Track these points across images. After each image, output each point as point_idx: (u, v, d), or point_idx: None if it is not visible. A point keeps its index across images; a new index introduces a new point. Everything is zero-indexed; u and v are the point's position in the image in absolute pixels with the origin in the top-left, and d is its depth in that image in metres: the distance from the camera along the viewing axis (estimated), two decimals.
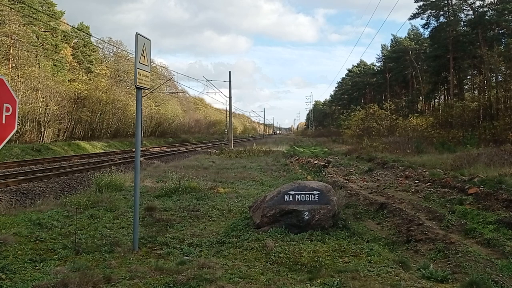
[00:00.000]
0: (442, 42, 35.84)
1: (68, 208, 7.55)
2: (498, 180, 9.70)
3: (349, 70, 77.37)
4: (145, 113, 47.78)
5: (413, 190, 10.83)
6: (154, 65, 55.09)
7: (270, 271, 4.65)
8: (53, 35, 38.15)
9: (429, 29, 39.37)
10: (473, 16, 34.95)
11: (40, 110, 31.58)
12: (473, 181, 10.28)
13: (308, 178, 13.03)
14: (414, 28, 54.45)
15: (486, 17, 32.81)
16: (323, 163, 18.18)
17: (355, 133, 37.97)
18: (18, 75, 30.56)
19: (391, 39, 58.43)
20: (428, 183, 11.29)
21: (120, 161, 22.10)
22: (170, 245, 5.62)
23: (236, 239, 5.85)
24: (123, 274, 4.43)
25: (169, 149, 37.01)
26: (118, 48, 47.45)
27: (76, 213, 6.89)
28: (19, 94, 28.58)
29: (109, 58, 50.72)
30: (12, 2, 31.66)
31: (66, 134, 36.29)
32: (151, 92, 46.36)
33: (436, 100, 48.84)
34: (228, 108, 40.25)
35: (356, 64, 75.25)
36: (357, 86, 71.26)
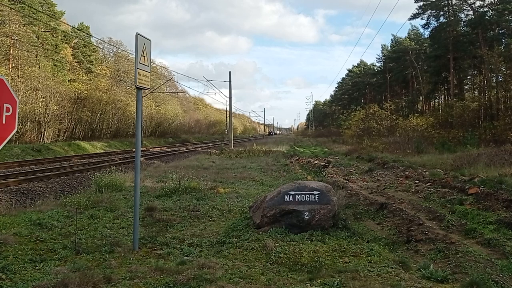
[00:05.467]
0: (442, 42, 35.83)
1: (68, 208, 7.55)
2: (498, 180, 9.70)
3: (349, 70, 77.36)
4: (145, 113, 47.77)
5: (413, 190, 10.83)
6: (154, 65, 55.09)
7: (270, 271, 4.65)
8: (53, 35, 38.13)
9: (429, 29, 39.42)
10: (473, 16, 34.95)
11: (40, 110, 31.56)
12: (473, 181, 10.28)
13: (308, 178, 13.03)
14: (414, 28, 54.47)
15: (486, 17, 32.79)
16: (323, 163, 18.18)
17: (355, 133, 37.95)
18: (18, 75, 30.55)
19: (391, 39, 58.46)
20: (428, 183, 11.29)
21: (120, 161, 22.09)
22: (170, 245, 5.62)
23: (236, 239, 5.85)
24: (123, 274, 4.43)
25: (169, 149, 37.01)
26: (118, 48, 47.47)
27: (76, 213, 6.88)
28: (19, 94, 28.58)
29: (109, 58, 50.70)
30: (12, 2, 31.66)
31: (66, 134, 36.28)
32: (151, 92, 46.36)
33: (436, 100, 48.82)
34: (228, 108, 40.27)
35: (356, 64, 75.28)
36: (357, 86, 71.25)
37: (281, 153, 26.26)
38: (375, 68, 66.60)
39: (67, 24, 42.05)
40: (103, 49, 48.43)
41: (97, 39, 47.47)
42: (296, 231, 6.00)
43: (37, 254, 5.07)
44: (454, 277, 4.68)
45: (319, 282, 4.29)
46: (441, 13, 37.32)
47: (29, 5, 33.11)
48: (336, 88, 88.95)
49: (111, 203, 8.03)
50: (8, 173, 15.59)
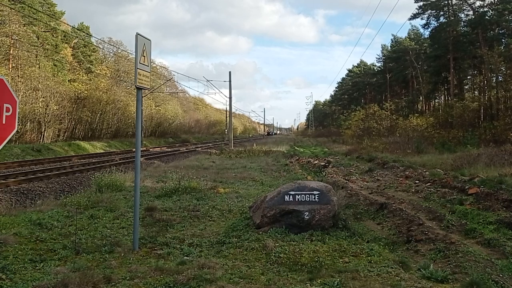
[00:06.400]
0: (442, 42, 35.84)
1: (68, 208, 7.55)
2: (498, 180, 9.70)
3: (349, 70, 77.37)
4: (145, 113, 47.76)
5: (413, 190, 10.82)
6: (154, 65, 55.09)
7: (270, 271, 4.65)
8: (53, 35, 38.13)
9: (429, 29, 39.43)
10: (473, 16, 34.96)
11: (40, 110, 31.56)
12: (473, 181, 10.28)
13: (308, 178, 13.03)
14: (414, 28, 54.46)
15: (486, 17, 32.80)
16: (323, 163, 18.18)
17: (355, 133, 37.94)
18: (18, 75, 30.55)
19: (391, 39, 58.46)
20: (428, 183, 11.28)
21: (120, 161, 22.09)
22: (170, 245, 5.62)
23: (236, 239, 5.85)
24: (123, 274, 4.43)
25: (169, 149, 37.00)
26: (118, 48, 47.47)
27: (76, 213, 6.88)
28: (19, 94, 28.58)
29: (109, 58, 50.71)
30: (12, 2, 31.67)
31: (66, 134, 36.28)
32: (151, 92, 46.36)
33: (436, 100, 48.84)
34: (228, 108, 40.27)
35: (356, 64, 75.29)
36: (357, 86, 71.27)
37: (281, 153, 26.26)
38: (375, 68, 66.61)
39: (67, 24, 42.07)
40: (103, 49, 48.48)
41: (97, 39, 47.53)
42: (296, 231, 6.00)
43: (37, 254, 5.08)
44: (454, 277, 4.69)
45: (319, 282, 4.29)
46: (441, 13, 37.33)
47: (29, 5, 33.11)
48: (336, 88, 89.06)
49: (111, 203, 8.03)
50: (8, 173, 15.59)
